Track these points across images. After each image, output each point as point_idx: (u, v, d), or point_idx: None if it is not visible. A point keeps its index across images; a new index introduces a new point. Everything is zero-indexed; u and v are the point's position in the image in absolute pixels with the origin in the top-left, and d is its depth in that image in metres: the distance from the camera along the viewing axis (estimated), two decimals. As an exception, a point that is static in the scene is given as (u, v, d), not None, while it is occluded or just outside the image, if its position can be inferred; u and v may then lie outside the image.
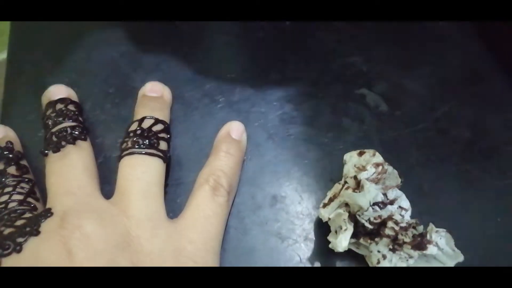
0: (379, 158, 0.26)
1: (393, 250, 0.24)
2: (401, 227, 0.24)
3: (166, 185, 0.29)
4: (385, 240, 0.24)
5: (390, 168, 0.26)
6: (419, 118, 0.30)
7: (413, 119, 0.30)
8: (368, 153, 0.26)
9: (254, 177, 0.29)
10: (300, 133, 0.30)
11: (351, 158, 0.26)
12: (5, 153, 0.28)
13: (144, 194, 0.25)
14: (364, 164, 0.25)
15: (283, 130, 0.30)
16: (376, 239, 0.24)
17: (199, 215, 0.26)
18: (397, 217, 0.24)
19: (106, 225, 0.24)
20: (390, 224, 0.24)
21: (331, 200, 0.25)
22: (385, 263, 0.24)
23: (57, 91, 0.30)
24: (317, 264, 0.26)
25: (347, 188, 0.25)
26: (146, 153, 0.27)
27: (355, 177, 0.25)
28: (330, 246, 0.24)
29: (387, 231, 0.24)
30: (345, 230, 0.24)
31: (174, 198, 0.28)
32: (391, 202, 0.25)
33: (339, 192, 0.25)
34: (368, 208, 0.24)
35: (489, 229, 0.27)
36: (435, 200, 0.28)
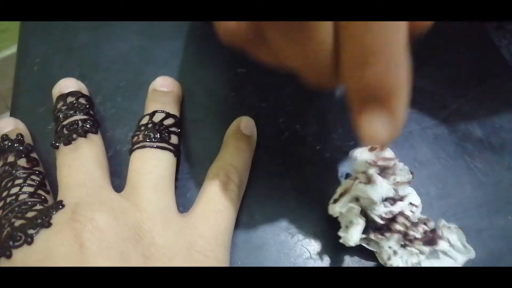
0: (390, 153, 0.26)
1: (404, 246, 0.24)
2: (412, 223, 0.24)
3: (176, 179, 0.29)
4: (396, 236, 0.24)
5: (401, 165, 0.26)
6: (430, 116, 0.30)
7: (424, 117, 0.30)
8: (379, 148, 0.26)
9: (264, 172, 0.29)
10: (311, 130, 0.30)
11: (362, 154, 0.26)
12: (15, 145, 0.28)
13: (155, 187, 0.25)
14: (375, 159, 0.25)
15: (294, 126, 0.30)
16: (387, 235, 0.24)
17: (209, 209, 0.26)
18: (407, 213, 0.24)
19: (118, 218, 0.24)
20: (401, 219, 0.24)
21: (341, 195, 0.25)
22: (396, 259, 0.24)
23: (68, 84, 0.30)
24: (326, 260, 0.26)
25: (358, 182, 0.25)
26: (157, 147, 0.27)
27: (366, 173, 0.25)
28: (341, 241, 0.24)
29: (398, 227, 0.24)
30: (357, 224, 0.24)
31: (184, 192, 0.28)
32: (402, 198, 0.25)
33: (350, 187, 0.25)
34: (380, 203, 0.24)
35: (499, 226, 0.27)
36: (445, 196, 0.28)
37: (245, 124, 0.29)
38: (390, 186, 0.24)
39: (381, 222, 0.24)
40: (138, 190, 0.25)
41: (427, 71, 0.32)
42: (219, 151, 0.28)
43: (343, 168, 0.29)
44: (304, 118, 0.30)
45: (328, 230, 0.27)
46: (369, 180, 0.24)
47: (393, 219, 0.24)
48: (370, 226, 0.24)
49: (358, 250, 0.26)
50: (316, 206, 0.28)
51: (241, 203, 0.28)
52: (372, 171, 0.24)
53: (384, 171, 0.25)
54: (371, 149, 0.26)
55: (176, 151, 0.27)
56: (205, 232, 0.25)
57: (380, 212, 0.24)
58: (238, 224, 0.27)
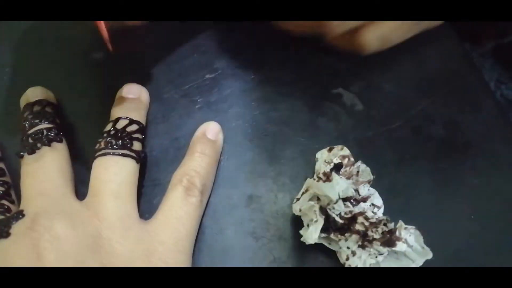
0: (346, 151, 0.26)
1: (362, 246, 0.24)
2: (371, 223, 0.24)
3: (142, 186, 0.29)
4: (354, 236, 0.24)
5: (363, 166, 0.26)
6: (394, 117, 0.30)
7: (388, 118, 0.30)
8: (337, 148, 0.26)
9: (230, 177, 0.29)
10: (277, 133, 0.30)
11: (322, 155, 0.27)
12: (-18, 156, 0.28)
13: (116, 195, 0.25)
14: (332, 158, 0.26)
15: (260, 130, 0.30)
16: (346, 235, 0.24)
17: (171, 215, 0.26)
18: (369, 214, 0.25)
19: (77, 226, 0.24)
20: (360, 219, 0.24)
21: (303, 194, 0.26)
22: (354, 260, 0.24)
23: (35, 93, 0.30)
24: (290, 262, 0.26)
25: (317, 181, 0.25)
26: (118, 154, 0.27)
27: (324, 172, 0.25)
28: (301, 239, 0.25)
29: (357, 227, 0.24)
30: (316, 221, 0.24)
31: (151, 199, 0.28)
32: (364, 200, 0.25)
33: (311, 186, 0.25)
34: (337, 201, 0.24)
35: (462, 227, 0.27)
36: (408, 198, 0.28)
37: (211, 129, 0.30)
38: (348, 185, 0.24)
39: (341, 221, 0.24)
40: (99, 198, 0.25)
41: (392, 73, 0.32)
42: (184, 157, 0.29)
43: (308, 172, 0.29)
44: (270, 121, 0.31)
45: (293, 233, 0.27)
46: (327, 179, 0.24)
47: (353, 219, 0.24)
48: (331, 225, 0.25)
49: (320, 250, 0.26)
50: (281, 209, 0.28)
51: (206, 208, 0.28)
52: (329, 169, 0.25)
53: (343, 169, 0.25)
54: (330, 150, 0.26)
55: (139, 157, 0.27)
56: (165, 239, 0.25)
57: (340, 211, 0.24)
58: (203, 229, 0.27)
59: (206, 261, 0.27)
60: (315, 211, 0.24)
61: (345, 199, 0.25)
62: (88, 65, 0.33)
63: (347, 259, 0.24)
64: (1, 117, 0.31)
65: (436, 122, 0.30)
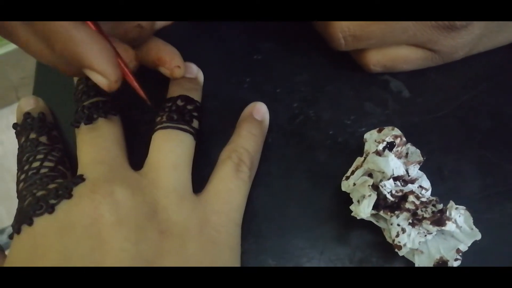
0: (397, 131, 0.27)
1: (412, 224, 0.24)
2: (421, 202, 0.24)
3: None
4: (405, 214, 0.24)
5: (412, 148, 0.27)
6: (441, 106, 0.31)
7: (435, 107, 0.31)
8: (387, 128, 0.27)
9: (276, 156, 0.30)
10: (324, 115, 0.31)
11: (371, 135, 0.27)
12: (37, 123, 0.29)
13: (174, 167, 0.26)
14: (383, 137, 0.26)
15: (306, 112, 0.31)
16: (396, 212, 0.25)
17: (222, 188, 0.27)
18: (419, 192, 0.25)
19: (135, 193, 0.25)
20: (411, 198, 0.24)
21: (353, 172, 0.26)
22: (403, 237, 0.24)
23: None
24: (335, 240, 0.27)
25: (371, 155, 0.26)
26: (179, 128, 0.27)
27: (377, 151, 0.26)
28: (352, 214, 0.25)
29: (408, 205, 0.24)
30: (369, 196, 0.24)
31: (198, 172, 0.29)
32: (413, 181, 0.26)
33: (362, 163, 0.26)
34: (391, 177, 0.25)
35: (507, 214, 0.27)
36: (454, 184, 0.28)
37: (258, 109, 0.30)
38: (401, 164, 0.25)
39: (392, 199, 0.25)
40: (157, 168, 0.26)
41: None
42: (232, 135, 0.29)
43: (354, 154, 0.29)
44: (317, 103, 0.31)
45: (338, 211, 0.28)
46: (379, 155, 0.25)
47: (403, 197, 0.25)
48: (381, 203, 0.25)
49: (367, 228, 0.26)
50: (328, 189, 0.28)
51: (252, 185, 0.28)
52: (381, 147, 0.25)
53: (394, 149, 0.26)
54: (379, 130, 0.27)
55: (197, 134, 0.28)
56: (217, 209, 0.26)
57: (391, 188, 0.25)
58: (249, 204, 0.28)
59: (253, 234, 0.27)
60: (369, 185, 0.25)
61: (395, 179, 0.25)
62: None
63: (397, 235, 0.25)
64: (53, 87, 0.32)
65: (482, 113, 0.30)
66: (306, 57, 0.33)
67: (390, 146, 0.26)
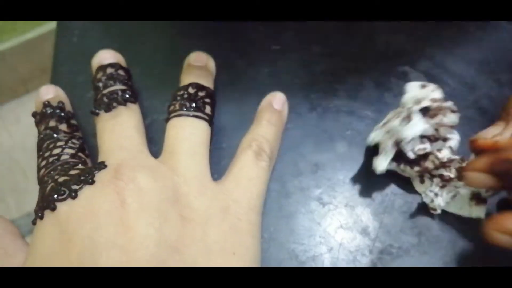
0: (439, 94, 0.26)
1: (442, 187, 0.25)
2: (441, 162, 0.25)
3: (210, 149, 0.29)
4: (436, 180, 0.26)
5: (454, 107, 0.26)
6: (461, 97, 0.31)
7: (454, 98, 0.30)
8: (430, 87, 0.26)
9: (296, 146, 0.30)
10: (343, 106, 0.31)
11: (412, 88, 0.27)
12: (57, 111, 0.29)
13: (191, 153, 0.26)
14: (423, 97, 0.26)
15: (326, 102, 0.31)
16: (416, 168, 0.26)
17: (242, 176, 0.27)
18: (444, 153, 0.26)
19: (157, 179, 0.25)
20: (431, 157, 0.25)
21: (384, 124, 0.27)
22: (437, 200, 0.25)
23: (107, 56, 0.31)
24: (356, 228, 0.27)
25: (395, 119, 0.26)
26: (193, 115, 0.27)
27: (409, 109, 0.26)
28: (373, 166, 0.26)
29: (427, 164, 0.25)
30: (387, 152, 0.25)
31: (217, 161, 0.29)
32: (444, 139, 0.26)
33: (394, 115, 0.27)
34: (411, 140, 0.25)
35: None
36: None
37: (277, 99, 0.30)
38: (429, 125, 0.25)
39: (412, 156, 0.25)
40: (175, 155, 0.26)
41: (458, 55, 0.32)
42: (252, 124, 0.29)
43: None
44: (336, 94, 0.31)
45: (359, 200, 0.28)
46: (408, 117, 0.25)
47: (424, 156, 0.26)
48: (403, 157, 0.26)
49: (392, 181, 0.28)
50: (348, 178, 0.28)
51: (272, 174, 0.28)
52: (414, 109, 0.25)
53: (429, 111, 0.26)
54: (423, 86, 0.26)
55: (211, 120, 0.28)
56: (238, 197, 0.26)
57: (412, 147, 0.25)
58: (270, 192, 0.28)
59: (273, 223, 0.27)
60: (390, 143, 0.25)
61: (422, 136, 0.26)
62: (156, 32, 0.34)
63: (432, 201, 0.26)
64: (70, 76, 0.32)
65: (501, 105, 0.30)
66: (325, 47, 0.33)
67: (424, 110, 0.25)
